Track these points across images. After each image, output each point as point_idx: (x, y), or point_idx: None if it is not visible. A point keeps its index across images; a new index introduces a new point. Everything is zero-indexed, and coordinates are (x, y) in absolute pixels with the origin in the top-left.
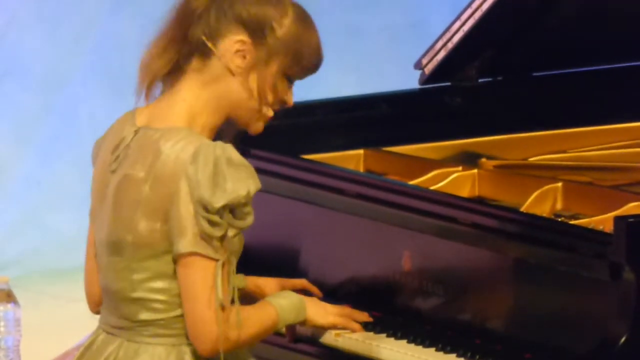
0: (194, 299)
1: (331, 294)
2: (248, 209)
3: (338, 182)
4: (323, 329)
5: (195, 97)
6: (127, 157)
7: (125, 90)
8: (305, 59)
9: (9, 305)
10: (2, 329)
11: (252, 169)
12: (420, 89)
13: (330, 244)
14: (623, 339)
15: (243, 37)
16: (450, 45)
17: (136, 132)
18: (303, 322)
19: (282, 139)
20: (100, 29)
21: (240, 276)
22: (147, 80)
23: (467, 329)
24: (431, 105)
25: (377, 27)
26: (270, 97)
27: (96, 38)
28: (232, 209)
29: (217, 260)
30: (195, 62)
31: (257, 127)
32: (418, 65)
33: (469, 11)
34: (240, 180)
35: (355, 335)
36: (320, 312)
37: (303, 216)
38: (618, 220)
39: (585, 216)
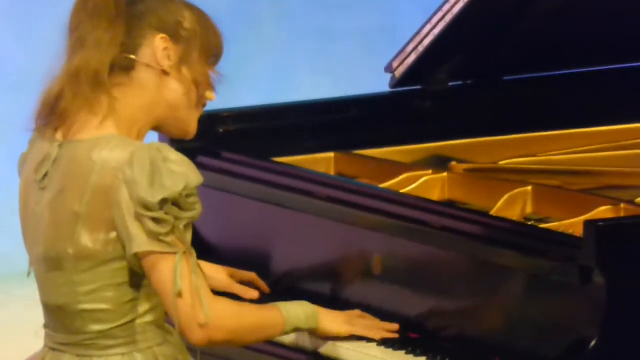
0: (167, 295)
1: (304, 297)
2: (193, 199)
3: (309, 185)
4: (338, 338)
5: (124, 108)
6: (57, 172)
7: None
8: (213, 41)
9: None
10: None
11: (192, 164)
12: (391, 93)
13: (300, 247)
14: (593, 343)
15: (162, 35)
16: (420, 49)
17: (60, 146)
18: (315, 330)
19: (253, 141)
20: None
21: None
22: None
23: (436, 333)
24: (402, 108)
25: (349, 31)
26: (204, 86)
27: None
28: (175, 203)
29: (175, 253)
30: (116, 77)
31: (193, 127)
32: (389, 69)
33: (439, 14)
34: (177, 174)
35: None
36: (335, 320)
37: (274, 219)
38: (588, 224)
39: (555, 220)
